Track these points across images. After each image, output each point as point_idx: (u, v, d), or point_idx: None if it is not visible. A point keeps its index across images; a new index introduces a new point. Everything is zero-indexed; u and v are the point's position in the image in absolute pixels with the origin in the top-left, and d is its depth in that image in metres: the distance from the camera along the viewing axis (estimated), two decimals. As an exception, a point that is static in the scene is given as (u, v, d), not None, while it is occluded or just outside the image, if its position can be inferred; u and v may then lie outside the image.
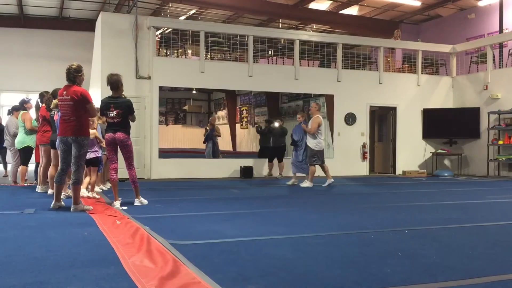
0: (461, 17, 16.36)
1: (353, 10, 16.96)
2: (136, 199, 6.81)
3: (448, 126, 14.19)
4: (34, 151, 9.11)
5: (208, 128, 14.50)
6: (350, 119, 13.71)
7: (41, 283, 3.02)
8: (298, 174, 10.66)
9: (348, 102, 13.63)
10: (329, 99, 13.88)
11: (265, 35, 13.33)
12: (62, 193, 7.08)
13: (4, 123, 10.49)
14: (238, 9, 15.95)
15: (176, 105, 23.44)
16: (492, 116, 13.53)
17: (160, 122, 13.88)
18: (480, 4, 15.35)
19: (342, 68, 13.65)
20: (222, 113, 21.83)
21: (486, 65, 14.04)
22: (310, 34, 14.52)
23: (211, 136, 14.07)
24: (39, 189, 8.20)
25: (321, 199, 8.34)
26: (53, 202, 6.29)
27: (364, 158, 13.82)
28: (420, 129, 14.53)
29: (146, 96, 11.68)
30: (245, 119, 20.01)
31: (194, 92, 21.32)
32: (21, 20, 17.57)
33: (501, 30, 14.66)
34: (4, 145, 9.97)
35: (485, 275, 3.37)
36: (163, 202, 7.29)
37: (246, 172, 12.16)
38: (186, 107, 23.01)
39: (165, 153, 13.68)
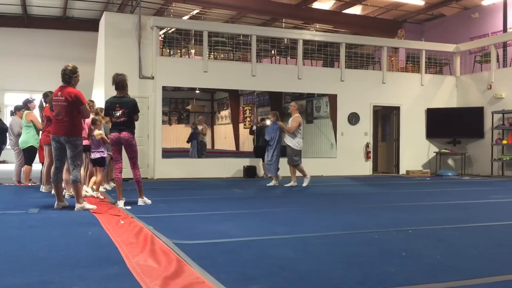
0: (464, 17, 16.32)
1: (356, 10, 16.93)
2: (139, 199, 6.82)
3: (451, 126, 14.15)
4: (38, 151, 9.13)
5: (192, 127, 14.62)
6: (354, 118, 13.69)
7: (46, 283, 3.03)
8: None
9: (352, 101, 13.61)
10: (333, 98, 13.87)
11: (268, 35, 13.33)
12: (66, 193, 7.12)
13: (7, 123, 10.50)
14: (241, 8, 15.95)
15: (179, 105, 23.50)
16: (496, 116, 13.49)
17: (164, 122, 13.91)
18: (484, 3, 15.30)
19: (346, 67, 13.63)
20: (225, 112, 21.86)
21: (490, 64, 14.00)
22: (313, 34, 14.51)
23: (195, 136, 14.19)
24: (43, 188, 8.22)
25: (324, 199, 8.33)
26: (56, 202, 6.32)
27: (367, 157, 13.81)
28: (423, 128, 14.49)
29: (150, 96, 11.69)
30: (248, 119, 20.03)
31: (197, 92, 21.38)
32: (24, 20, 17.63)
33: (505, 29, 14.60)
34: (8, 145, 9.99)
35: (489, 275, 3.36)
36: (167, 201, 7.30)
37: (249, 171, 12.18)
38: (189, 107, 23.05)
39: (168, 153, 13.71)
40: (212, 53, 13.20)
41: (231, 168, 12.46)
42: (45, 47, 17.71)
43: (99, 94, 11.89)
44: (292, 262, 3.67)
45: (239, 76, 12.63)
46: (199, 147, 14.25)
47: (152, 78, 11.76)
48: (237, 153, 18.21)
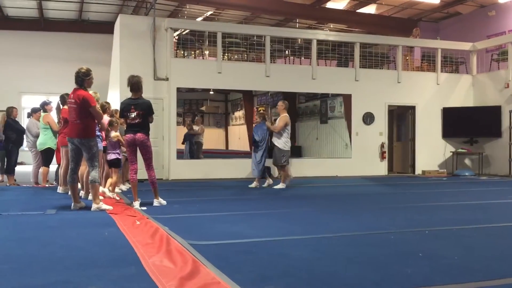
0: (481, 14, 16.11)
1: (370, 9, 16.83)
2: (155, 200, 6.87)
3: (468, 125, 13.98)
4: (55, 152, 9.25)
5: (187, 128, 14.63)
6: (368, 118, 13.60)
7: (64, 283, 3.07)
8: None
9: (366, 101, 13.53)
10: (347, 98, 13.79)
11: (282, 35, 13.31)
12: (83, 193, 7.20)
13: (24, 125, 10.65)
14: (255, 9, 15.96)
15: (193, 106, 23.58)
16: (513, 115, 13.29)
17: (178, 123, 13.97)
18: (500, 0, 15.08)
19: (360, 67, 13.55)
20: (240, 113, 21.88)
21: (507, 62, 13.79)
22: (327, 34, 14.45)
23: (188, 137, 14.18)
24: (60, 190, 8.32)
25: (339, 199, 8.29)
26: (72, 204, 6.39)
27: (382, 157, 13.71)
28: (439, 128, 14.34)
29: (164, 97, 11.76)
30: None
31: (211, 92, 21.43)
32: (41, 23, 17.87)
33: (522, 27, 14.39)
34: (25, 147, 10.14)
35: (508, 276, 3.31)
36: (182, 202, 7.33)
37: (264, 172, 12.14)
38: (203, 108, 23.12)
39: (183, 154, 13.78)
40: (226, 54, 13.23)
41: (246, 168, 12.44)
42: (61, 50, 17.94)
43: (114, 96, 12.00)
44: (308, 262, 3.66)
45: (253, 76, 12.64)
46: (194, 148, 14.27)
47: (167, 79, 11.82)
48: (251, 154, 18.19)
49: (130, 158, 6.85)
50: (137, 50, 11.66)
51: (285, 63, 14.08)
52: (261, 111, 11.89)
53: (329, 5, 16.09)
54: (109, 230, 4.89)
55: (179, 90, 12.30)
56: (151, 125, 7.00)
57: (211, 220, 5.73)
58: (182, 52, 12.86)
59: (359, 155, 13.45)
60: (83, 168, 7.63)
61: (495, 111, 13.72)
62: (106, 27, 16.82)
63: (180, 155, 14.45)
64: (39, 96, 17.11)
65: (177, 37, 12.89)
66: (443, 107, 14.29)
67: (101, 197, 6.85)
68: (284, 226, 5.35)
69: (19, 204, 6.85)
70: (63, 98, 8.54)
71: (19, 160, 10.46)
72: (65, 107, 8.37)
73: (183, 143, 14.50)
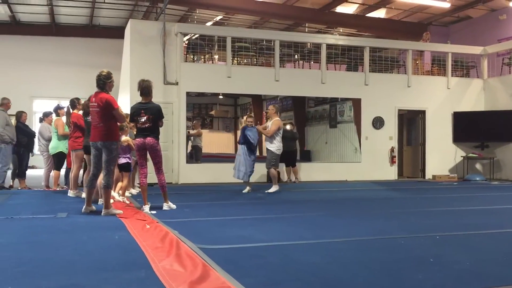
0: (492, 18, 16.01)
1: (380, 13, 16.79)
2: (164, 204, 6.89)
3: (479, 130, 13.87)
4: (66, 156, 9.31)
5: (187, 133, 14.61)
6: (378, 123, 13.55)
7: (74, 286, 3.09)
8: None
9: (376, 105, 13.48)
10: (356, 103, 13.75)
11: (292, 40, 13.32)
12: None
13: (36, 130, 10.76)
14: (264, 14, 15.99)
15: (203, 110, 23.67)
16: (525, 119, 13.17)
17: (188, 127, 14.00)
18: (511, 4, 14.98)
19: (370, 71, 13.51)
20: (244, 118, 21.92)
21: (518, 66, 13.69)
22: (336, 38, 14.44)
23: (186, 141, 14.18)
24: (70, 193, 8.37)
25: (349, 204, 8.26)
26: (84, 206, 6.43)
27: (392, 162, 13.63)
28: (450, 132, 14.24)
29: (174, 101, 11.81)
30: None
31: (220, 97, 21.50)
32: (53, 28, 18.05)
33: (534, 30, 14.28)
34: (37, 151, 10.23)
35: (521, 282, 3.28)
36: (191, 206, 7.34)
37: (273, 176, 12.14)
38: (212, 112, 23.20)
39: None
40: (236, 59, 13.26)
41: (255, 173, 12.42)
42: (72, 55, 18.11)
43: (124, 100, 12.07)
44: (318, 267, 3.64)
45: (263, 81, 12.65)
46: (192, 152, 14.26)
47: (176, 84, 11.87)
48: (260, 158, 18.20)
49: (140, 162, 6.88)
50: (147, 55, 11.73)
51: (295, 67, 14.08)
52: (252, 115, 11.84)
53: (338, 9, 16.09)
54: (120, 234, 4.91)
55: (188, 94, 12.35)
56: (160, 129, 7.04)
57: (220, 224, 5.73)
58: (192, 57, 12.91)
59: (369, 159, 13.39)
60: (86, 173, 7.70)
61: (507, 115, 13.60)
62: (116, 32, 16.94)
63: (210, 159, 14.44)
64: (50, 100, 17.33)
65: (187, 42, 12.95)
66: (453, 112, 14.20)
67: (112, 201, 6.89)
68: (294, 230, 5.33)
69: (30, 208, 6.90)
70: (73, 103, 8.61)
71: (30, 164, 10.55)
72: (75, 111, 8.46)
73: None
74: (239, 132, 23.70)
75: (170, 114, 11.51)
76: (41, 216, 6.13)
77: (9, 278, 3.25)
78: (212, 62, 13.57)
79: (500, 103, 14.08)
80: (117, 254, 4.02)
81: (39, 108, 17.68)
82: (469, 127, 14.01)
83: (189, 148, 14.33)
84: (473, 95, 14.53)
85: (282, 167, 12.54)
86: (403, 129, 14.74)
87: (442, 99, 14.17)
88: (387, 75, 13.93)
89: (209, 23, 17.18)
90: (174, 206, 6.92)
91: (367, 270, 3.58)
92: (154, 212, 6.48)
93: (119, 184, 7.76)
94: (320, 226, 5.64)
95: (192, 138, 14.41)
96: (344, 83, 13.33)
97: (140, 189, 7.30)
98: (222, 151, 19.96)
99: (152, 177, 7.48)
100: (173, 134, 11.76)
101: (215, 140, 20.94)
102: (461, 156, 14.19)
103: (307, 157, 16.90)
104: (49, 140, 9.56)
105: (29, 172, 10.35)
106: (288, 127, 13.23)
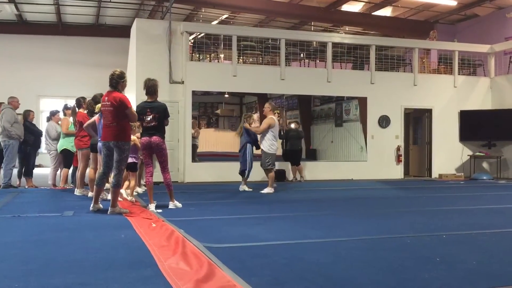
0: (499, 16, 15.90)
1: (386, 11, 16.71)
2: (170, 202, 6.91)
3: (486, 128, 13.79)
4: (73, 154, 9.34)
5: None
6: (384, 121, 13.50)
7: (81, 284, 3.10)
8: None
9: (382, 104, 13.43)
10: (363, 101, 13.72)
11: (297, 38, 13.29)
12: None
13: (43, 128, 10.82)
14: (270, 12, 15.97)
15: (208, 109, 23.70)
16: (533, 118, 13.08)
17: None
18: (519, 2, 14.88)
19: (376, 70, 13.46)
20: (254, 116, 21.90)
21: (526, 65, 13.60)
22: (342, 36, 14.40)
23: None
24: (77, 192, 8.41)
25: (355, 203, 8.24)
26: (92, 205, 6.45)
27: (398, 161, 13.59)
28: (457, 131, 14.17)
29: (180, 100, 11.82)
30: (277, 123, 19.97)
31: (226, 96, 21.49)
32: (59, 27, 18.12)
33: (542, 28, 14.17)
34: (44, 150, 10.29)
35: (529, 282, 3.25)
36: (197, 205, 7.35)
37: (279, 175, 12.13)
38: (218, 111, 23.21)
39: (198, 157, 13.81)
40: (241, 57, 13.26)
41: (260, 171, 12.44)
42: (78, 54, 18.17)
43: (130, 99, 12.07)
44: (324, 267, 3.64)
45: (268, 80, 12.64)
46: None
47: (182, 82, 11.88)
48: (257, 156, 18.19)
49: (146, 161, 6.90)
50: (153, 54, 11.75)
51: (300, 66, 14.06)
52: (248, 114, 11.85)
53: (344, 7, 16.04)
54: (126, 232, 4.92)
55: (194, 93, 12.36)
56: (166, 128, 7.05)
57: (226, 223, 5.74)
58: (198, 56, 12.92)
59: (375, 158, 13.36)
60: (92, 172, 7.71)
61: (514, 114, 13.51)
62: (122, 31, 16.98)
63: (216, 158, 14.40)
64: (57, 99, 17.42)
65: (192, 41, 12.96)
66: (460, 110, 14.13)
67: (120, 199, 6.92)
68: (300, 229, 5.33)
69: (37, 206, 6.94)
70: (79, 102, 8.66)
71: (37, 162, 10.61)
72: (81, 110, 8.49)
73: None
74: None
75: (176, 113, 11.53)
76: (47, 214, 6.16)
77: (15, 276, 3.27)
78: (218, 61, 13.57)
79: (507, 101, 13.99)
80: (123, 252, 4.03)
81: (46, 107, 17.75)
82: (476, 126, 13.94)
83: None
84: (480, 94, 14.45)
85: (288, 165, 12.54)
86: (409, 128, 14.69)
87: (449, 97, 14.10)
88: (393, 73, 13.88)
89: (214, 22, 17.18)
90: (179, 205, 6.93)
91: (373, 269, 3.57)
92: (160, 210, 6.50)
93: (126, 183, 7.76)
94: (326, 225, 5.63)
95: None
96: (350, 81, 13.29)
97: (146, 188, 7.32)
98: (228, 150, 19.94)
99: (158, 176, 7.50)
100: (179, 133, 11.78)
101: (221, 139, 20.91)
102: (468, 155, 14.12)
103: (313, 156, 16.88)
104: (55, 139, 9.62)
105: (36, 170, 10.40)
106: (293, 125, 13.22)
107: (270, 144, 9.53)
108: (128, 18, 17.26)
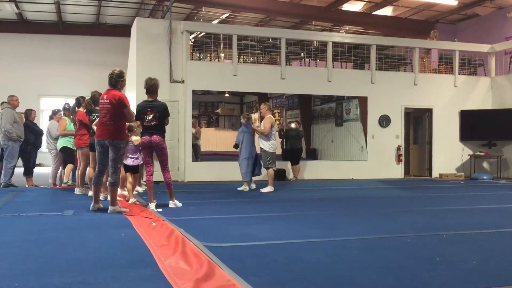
0: (499, 16, 15.89)
1: (387, 11, 16.71)
2: (170, 202, 6.91)
3: (486, 128, 13.78)
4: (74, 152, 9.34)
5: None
6: (384, 121, 13.50)
7: (81, 283, 3.10)
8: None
9: (382, 104, 13.43)
10: (363, 101, 13.71)
11: (298, 38, 13.28)
12: (101, 195, 7.25)
13: (43, 127, 10.83)
14: (271, 12, 15.97)
15: (209, 108, 23.72)
16: (533, 117, 13.07)
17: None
18: (520, 2, 14.87)
19: (376, 69, 13.45)
20: (255, 116, 21.91)
21: (526, 64, 13.59)
22: (343, 36, 14.39)
23: None
24: (77, 191, 8.41)
25: (355, 202, 8.24)
26: (92, 204, 6.46)
27: (399, 161, 13.59)
28: (457, 131, 14.17)
29: (180, 99, 11.82)
30: (277, 122, 20.00)
31: (226, 95, 21.52)
32: (59, 27, 18.13)
33: (542, 28, 14.15)
34: (46, 148, 10.29)
35: (528, 282, 3.25)
36: (197, 204, 7.35)
37: (279, 174, 12.13)
38: (218, 110, 23.23)
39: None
40: (242, 57, 13.25)
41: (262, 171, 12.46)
42: (79, 53, 18.18)
43: (130, 98, 12.07)
44: (324, 266, 3.64)
45: (269, 79, 12.63)
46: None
47: (183, 82, 11.88)
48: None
49: (146, 160, 6.90)
50: (154, 53, 11.75)
51: (301, 65, 14.06)
52: (246, 113, 11.87)
53: (345, 7, 16.03)
54: (126, 231, 4.93)
55: (194, 92, 12.35)
56: (166, 127, 7.05)
57: (226, 222, 5.74)
58: (198, 55, 12.92)
59: (375, 158, 13.35)
60: (91, 171, 7.70)
61: (514, 113, 13.51)
62: (123, 31, 16.99)
63: (216, 157, 14.37)
64: (57, 98, 17.43)
65: (193, 40, 12.95)
66: (460, 110, 14.12)
67: (119, 199, 6.92)
68: (300, 229, 5.33)
69: (37, 205, 6.94)
70: (78, 101, 8.66)
71: (37, 161, 10.61)
72: (81, 109, 8.49)
73: None
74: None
75: (176, 113, 11.53)
76: (47, 213, 6.17)
77: (15, 275, 3.27)
78: (218, 60, 13.57)
79: (507, 101, 13.98)
80: (123, 251, 4.03)
81: (46, 106, 17.77)
82: (476, 126, 13.93)
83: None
84: (480, 93, 14.45)
85: (288, 165, 12.54)
86: (409, 128, 14.69)
87: (449, 97, 14.10)
88: (394, 73, 13.88)
89: (215, 21, 17.18)
90: (180, 204, 6.93)
91: (373, 268, 3.57)
92: (160, 210, 6.50)
93: (129, 185, 7.69)
94: (325, 225, 5.63)
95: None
96: (350, 81, 13.29)
97: (146, 187, 7.31)
98: (228, 149, 19.96)
99: (158, 175, 7.49)
100: (179, 132, 11.78)
101: (221, 138, 20.93)
102: (468, 155, 14.12)
103: (313, 155, 16.87)
104: (57, 138, 9.63)
105: (36, 169, 10.40)
106: (293, 125, 13.22)
107: (271, 143, 9.57)
108: (128, 17, 17.26)
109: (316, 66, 13.81)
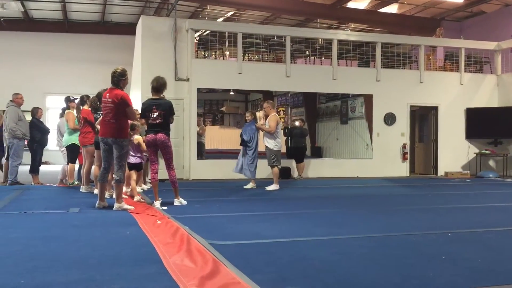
0: (506, 13, 15.79)
1: (392, 8, 16.65)
2: (175, 199, 6.92)
3: (492, 126, 13.71)
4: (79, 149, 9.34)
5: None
6: (390, 119, 13.46)
7: (87, 281, 3.11)
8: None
9: (388, 102, 13.39)
10: (368, 99, 13.67)
11: (303, 35, 13.25)
12: (106, 193, 7.28)
13: (50, 125, 10.83)
14: (276, 10, 15.94)
15: (213, 106, 23.70)
16: (540, 115, 12.98)
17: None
18: (526, -1, 14.77)
19: (382, 67, 13.41)
20: (260, 114, 21.89)
21: (533, 62, 13.50)
22: (348, 34, 14.34)
23: None
24: (83, 189, 8.45)
25: (361, 200, 8.23)
26: (97, 202, 6.49)
27: (404, 159, 13.54)
28: (463, 129, 14.11)
29: (185, 97, 11.83)
30: (282, 120, 19.97)
31: (231, 93, 21.51)
32: (65, 25, 18.19)
33: (549, 25, 14.05)
34: (56, 146, 10.30)
35: (534, 280, 3.24)
36: (202, 202, 7.36)
37: (283, 173, 12.11)
38: (223, 108, 23.20)
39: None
40: (247, 55, 13.24)
41: (265, 169, 12.45)
42: (84, 51, 18.24)
43: (135, 96, 12.13)
44: (329, 264, 3.64)
45: (273, 77, 12.62)
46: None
47: (187, 80, 11.89)
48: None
49: (151, 158, 6.93)
50: (159, 51, 11.77)
51: (306, 63, 14.03)
52: (252, 111, 11.87)
53: (350, 4, 15.98)
54: (131, 229, 4.95)
55: (199, 90, 12.36)
56: (171, 125, 7.07)
57: (231, 220, 5.74)
58: (203, 53, 12.92)
59: (380, 156, 13.32)
60: (96, 169, 7.73)
61: (521, 111, 13.43)
62: (128, 29, 17.01)
63: (221, 155, 14.36)
64: (63, 96, 17.29)
65: (198, 38, 12.96)
66: (466, 108, 14.05)
67: (124, 196, 6.94)
68: (305, 227, 5.33)
69: (43, 203, 6.98)
70: (82, 99, 8.67)
71: (43, 159, 10.65)
72: (85, 107, 8.51)
73: None
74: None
75: (181, 111, 11.54)
76: (53, 211, 6.20)
77: (21, 272, 3.29)
78: (223, 58, 13.56)
79: (514, 99, 13.90)
80: (129, 249, 4.04)
81: (52, 104, 17.85)
82: (482, 124, 13.86)
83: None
84: (486, 91, 14.37)
85: (292, 163, 12.53)
86: (415, 126, 14.64)
87: (455, 95, 14.03)
88: (399, 71, 13.83)
89: (220, 19, 17.18)
90: (185, 202, 6.95)
91: (378, 266, 3.57)
92: (165, 207, 6.52)
93: (133, 183, 7.71)
94: (330, 223, 5.63)
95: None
96: (355, 79, 13.25)
97: (151, 185, 7.33)
98: (233, 147, 19.96)
99: (163, 173, 7.51)
100: (184, 130, 11.79)
101: (226, 136, 20.91)
102: (474, 153, 14.06)
103: (318, 153, 16.84)
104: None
105: (42, 167, 10.45)
106: (297, 123, 13.20)
107: (277, 141, 9.57)
108: (133, 15, 17.29)
109: (321, 64, 13.78)
